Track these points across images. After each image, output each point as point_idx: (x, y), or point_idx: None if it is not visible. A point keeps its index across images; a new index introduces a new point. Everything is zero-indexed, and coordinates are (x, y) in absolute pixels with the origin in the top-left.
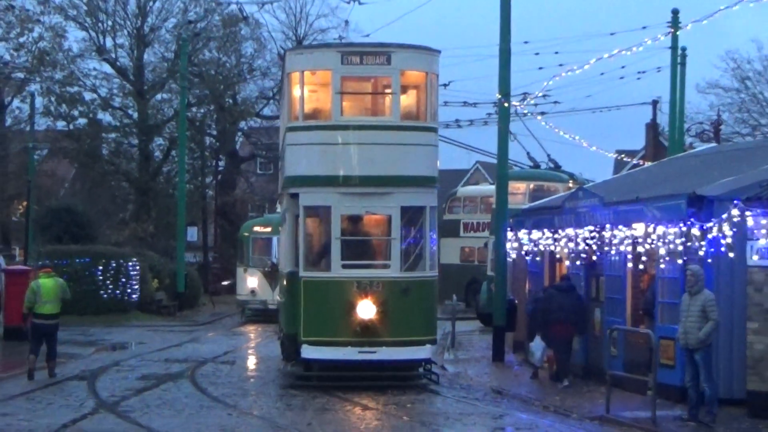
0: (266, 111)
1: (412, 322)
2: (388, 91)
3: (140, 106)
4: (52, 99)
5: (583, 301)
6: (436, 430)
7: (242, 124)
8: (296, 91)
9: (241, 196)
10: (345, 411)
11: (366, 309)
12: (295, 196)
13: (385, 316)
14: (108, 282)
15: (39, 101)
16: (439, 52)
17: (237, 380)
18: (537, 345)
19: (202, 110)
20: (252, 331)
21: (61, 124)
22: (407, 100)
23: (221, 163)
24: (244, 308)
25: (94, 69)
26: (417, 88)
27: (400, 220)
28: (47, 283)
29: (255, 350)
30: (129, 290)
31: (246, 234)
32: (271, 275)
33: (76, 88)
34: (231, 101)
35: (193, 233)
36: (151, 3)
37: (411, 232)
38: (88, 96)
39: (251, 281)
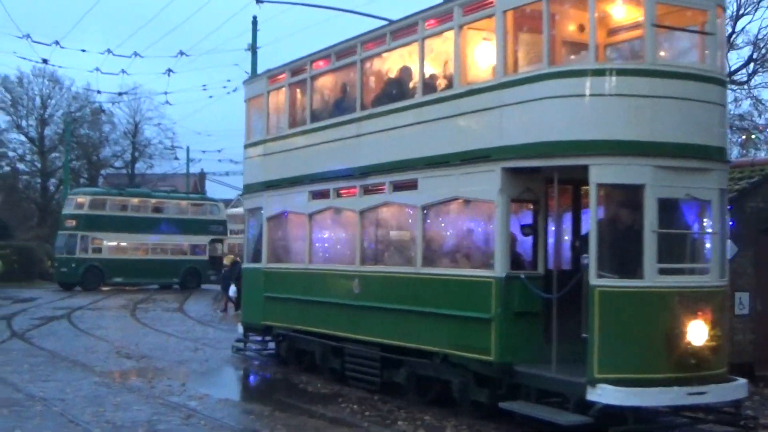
0: (117, 163)
1: (724, 349)
2: (708, 29)
3: (42, 161)
4: None
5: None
6: None
7: (102, 172)
8: (552, 27)
9: None
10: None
11: (698, 332)
12: (525, 171)
13: (714, 342)
14: (21, 262)
15: None
16: None
17: (96, 319)
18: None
19: (78, 163)
20: (108, 294)
21: None
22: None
23: None
24: None
25: (14, 138)
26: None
27: (719, 208)
28: None
29: (109, 303)
30: (33, 267)
31: None
32: None
33: (2, 149)
34: (96, 158)
35: None
36: (49, 100)
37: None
38: (11, 154)
39: None
